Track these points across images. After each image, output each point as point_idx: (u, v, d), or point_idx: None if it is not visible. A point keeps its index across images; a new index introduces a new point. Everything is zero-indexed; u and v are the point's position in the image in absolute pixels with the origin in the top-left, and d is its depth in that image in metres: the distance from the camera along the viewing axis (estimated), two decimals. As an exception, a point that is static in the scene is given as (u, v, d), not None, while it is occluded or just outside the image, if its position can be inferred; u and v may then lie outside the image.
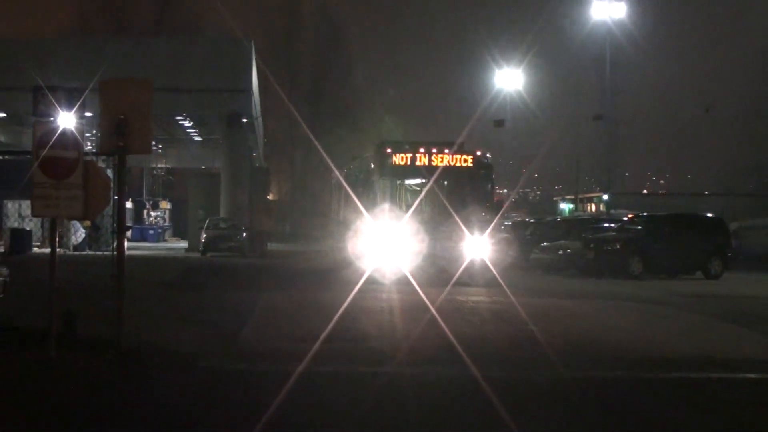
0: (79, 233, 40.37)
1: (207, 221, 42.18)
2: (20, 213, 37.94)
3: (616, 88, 65.10)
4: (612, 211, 52.84)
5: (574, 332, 14.33)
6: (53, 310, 10.59)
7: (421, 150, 23.47)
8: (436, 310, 15.41)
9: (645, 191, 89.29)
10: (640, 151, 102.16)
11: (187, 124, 48.74)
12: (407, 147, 24.00)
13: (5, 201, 41.07)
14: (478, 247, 22.48)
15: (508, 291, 19.64)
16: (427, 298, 16.79)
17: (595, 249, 30.13)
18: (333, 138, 57.51)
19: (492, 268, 22.04)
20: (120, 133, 10.97)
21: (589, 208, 69.35)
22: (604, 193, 64.90)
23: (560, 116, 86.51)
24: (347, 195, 27.46)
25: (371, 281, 20.20)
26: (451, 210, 22.35)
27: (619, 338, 13.84)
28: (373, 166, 24.58)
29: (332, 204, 34.67)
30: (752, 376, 11.13)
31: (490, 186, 24.24)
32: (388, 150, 23.68)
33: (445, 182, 23.61)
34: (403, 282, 20.34)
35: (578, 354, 12.20)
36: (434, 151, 23.48)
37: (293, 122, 75.97)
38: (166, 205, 60.63)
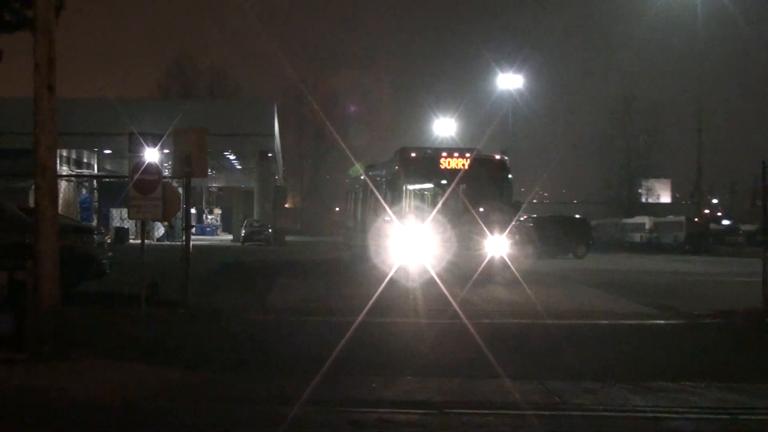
0: (160, 230, 40.78)
1: (245, 222, 42.94)
2: (121, 217, 39.42)
3: (515, 132, 65.10)
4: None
5: (494, 295, 14.23)
6: (142, 281, 10.57)
7: (444, 155, 17.24)
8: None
9: (535, 200, 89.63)
10: (531, 173, 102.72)
11: (231, 157, 48.40)
12: (430, 152, 18.16)
13: (110, 209, 41.60)
14: (499, 245, 16.37)
15: (521, 281, 15.50)
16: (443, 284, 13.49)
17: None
18: (331, 162, 57.19)
19: (510, 264, 16.44)
20: (187, 164, 11.11)
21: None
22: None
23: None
24: (366, 198, 20.96)
25: (394, 277, 14.62)
26: (473, 211, 16.51)
27: (524, 300, 13.67)
28: (397, 169, 17.38)
29: (348, 206, 26.79)
30: (606, 322, 11.20)
31: (508, 188, 17.52)
32: (413, 155, 17.35)
33: (466, 185, 16.98)
34: (427, 279, 14.58)
35: (500, 309, 12.26)
36: (456, 155, 17.23)
37: (302, 154, 76.34)
38: (218, 211, 60.79)
